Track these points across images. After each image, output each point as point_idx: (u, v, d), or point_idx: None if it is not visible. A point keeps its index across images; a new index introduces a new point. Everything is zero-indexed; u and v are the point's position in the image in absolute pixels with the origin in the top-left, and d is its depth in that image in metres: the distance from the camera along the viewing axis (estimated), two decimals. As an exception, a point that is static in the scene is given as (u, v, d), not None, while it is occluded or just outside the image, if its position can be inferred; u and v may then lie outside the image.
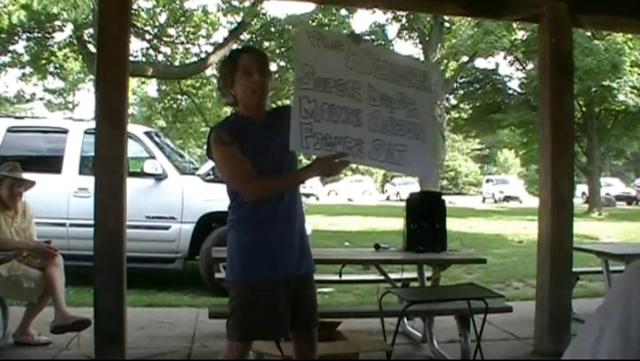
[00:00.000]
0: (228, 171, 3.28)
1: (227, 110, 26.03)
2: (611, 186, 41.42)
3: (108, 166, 4.68)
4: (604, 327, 0.92)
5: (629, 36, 22.97)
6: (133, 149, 7.58)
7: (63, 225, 7.58)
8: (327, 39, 3.29)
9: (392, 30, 28.88)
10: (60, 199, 7.75)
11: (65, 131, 8.33)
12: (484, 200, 45.16)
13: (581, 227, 14.29)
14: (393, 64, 3.50)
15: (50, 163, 8.07)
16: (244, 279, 3.20)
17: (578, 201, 29.51)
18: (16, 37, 19.55)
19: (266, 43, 22.82)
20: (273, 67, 24.94)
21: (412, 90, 3.51)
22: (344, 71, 3.29)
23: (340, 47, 3.29)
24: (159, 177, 8.00)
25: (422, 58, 28.68)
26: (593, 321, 0.96)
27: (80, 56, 20.83)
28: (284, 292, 3.16)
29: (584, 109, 26.54)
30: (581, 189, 34.70)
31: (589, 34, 22.95)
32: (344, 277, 6.19)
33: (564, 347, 3.70)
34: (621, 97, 24.33)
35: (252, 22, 21.18)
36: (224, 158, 3.22)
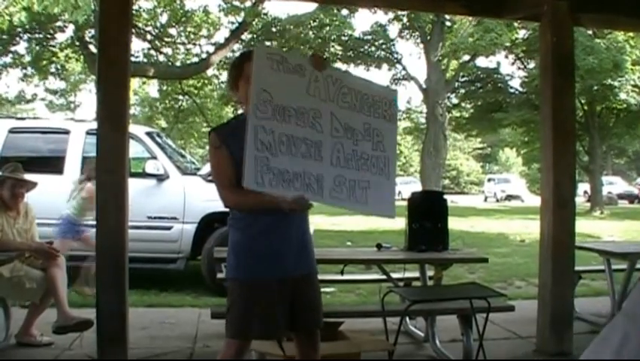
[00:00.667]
0: (213, 173, 3.36)
1: (229, 111, 26.02)
2: (613, 184, 41.40)
3: (110, 167, 4.69)
4: (629, 333, 0.89)
5: (631, 34, 22.95)
6: (134, 149, 7.58)
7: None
8: (288, 62, 3.08)
9: (393, 30, 28.80)
10: (62, 200, 7.74)
11: (67, 132, 8.33)
12: (485, 199, 45.18)
13: (583, 226, 14.27)
14: (358, 91, 3.28)
15: (52, 164, 8.07)
16: (240, 276, 3.22)
17: (580, 200, 29.52)
18: (18, 38, 19.56)
19: (267, 43, 22.82)
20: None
21: (378, 120, 3.30)
22: (305, 99, 3.09)
23: (302, 71, 3.10)
24: (161, 178, 8.00)
25: (424, 57, 28.72)
26: (617, 324, 0.93)
27: (82, 57, 20.85)
28: (281, 292, 3.16)
29: (585, 108, 26.50)
30: (583, 187, 34.70)
31: (590, 32, 22.90)
32: (346, 277, 6.19)
33: (566, 346, 3.70)
34: (623, 95, 24.30)
35: (253, 23, 21.17)
36: (211, 160, 3.31)
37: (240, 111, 3.47)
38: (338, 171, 3.14)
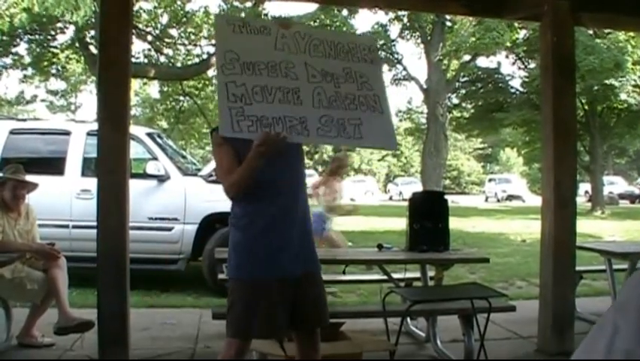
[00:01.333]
0: (217, 171, 3.37)
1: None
2: (615, 184, 41.40)
3: (110, 167, 4.69)
4: (619, 325, 0.91)
5: (631, 34, 22.93)
6: (135, 150, 7.59)
7: (66, 226, 7.58)
8: (250, 25, 3.18)
9: (394, 30, 28.83)
10: (63, 201, 7.76)
11: (68, 133, 8.34)
12: (486, 199, 45.18)
13: (584, 226, 14.27)
14: (330, 41, 3.35)
15: (53, 165, 8.08)
16: (241, 276, 3.22)
17: (581, 200, 29.51)
18: (18, 40, 19.57)
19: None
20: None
21: (358, 64, 3.35)
22: (273, 54, 3.16)
23: (267, 30, 3.18)
24: (162, 179, 8.00)
25: (424, 57, 28.73)
26: (607, 318, 0.95)
27: (82, 58, 20.86)
28: (282, 292, 3.16)
29: (586, 107, 26.48)
30: (584, 187, 34.70)
31: (591, 32, 22.89)
32: (347, 277, 6.18)
33: (567, 346, 3.70)
34: (623, 96, 24.30)
35: (254, 23, 21.16)
36: (215, 157, 3.32)
37: None
38: (323, 112, 3.17)
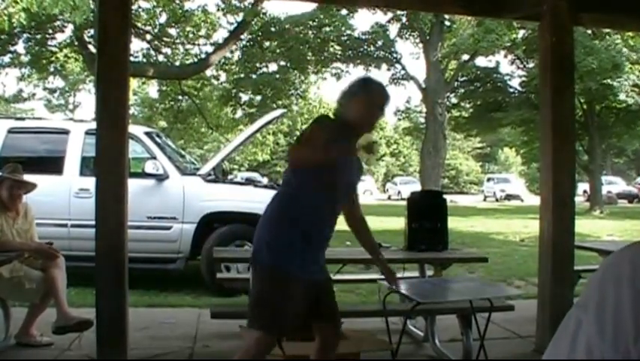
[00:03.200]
0: (306, 139, 3.30)
1: (228, 111, 25.99)
2: (613, 184, 41.45)
3: (109, 167, 4.69)
4: (581, 319, 0.95)
5: (630, 34, 22.96)
6: (134, 149, 7.59)
7: (64, 226, 7.57)
8: None
9: (393, 30, 28.80)
10: (61, 200, 7.75)
11: (66, 132, 8.33)
12: (485, 199, 45.20)
13: (582, 225, 14.26)
14: None
15: (51, 164, 8.07)
16: (279, 266, 3.24)
17: (580, 200, 29.50)
18: (16, 38, 19.52)
19: (266, 43, 22.82)
20: (273, 67, 24.95)
21: None
22: None
23: None
24: (160, 178, 7.99)
25: (422, 57, 28.73)
26: (571, 315, 1.00)
27: (81, 57, 20.83)
28: (307, 292, 3.25)
29: (584, 107, 26.51)
30: (583, 187, 34.71)
31: (589, 32, 22.91)
32: (346, 277, 6.18)
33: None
34: (622, 96, 24.32)
35: (253, 22, 21.15)
36: (312, 132, 3.30)
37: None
38: None
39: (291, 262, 3.21)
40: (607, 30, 21.73)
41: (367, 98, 3.38)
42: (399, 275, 5.73)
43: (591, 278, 1.04)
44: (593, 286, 1.00)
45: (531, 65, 26.81)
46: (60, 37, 20.28)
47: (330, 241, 3.53)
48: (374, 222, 17.84)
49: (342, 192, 3.41)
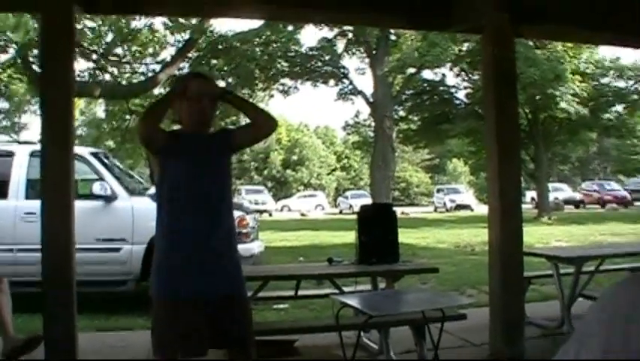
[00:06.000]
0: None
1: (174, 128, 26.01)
2: (560, 190, 42.39)
3: (55, 188, 4.60)
4: (580, 352, 0.94)
5: (570, 45, 23.56)
6: (81, 170, 7.46)
7: (10, 250, 7.40)
8: None
9: (339, 45, 29.05)
10: (6, 224, 7.57)
11: (11, 155, 8.16)
12: (436, 209, 45.68)
13: (531, 232, 14.53)
14: None
15: (-5, 188, 7.89)
16: (158, 296, 3.25)
17: (528, 207, 30.06)
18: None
19: (214, 61, 22.74)
20: (221, 84, 24.85)
21: None
22: None
23: None
24: (108, 199, 7.88)
25: (369, 72, 28.98)
26: (568, 350, 0.97)
27: (25, 77, 20.42)
28: (198, 313, 3.16)
29: (529, 116, 27.08)
30: (530, 194, 35.40)
31: (531, 43, 23.42)
32: (299, 293, 6.16)
33: (519, 351, 3.74)
34: (563, 105, 24.87)
35: (200, 40, 21.08)
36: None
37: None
38: None
39: (169, 286, 3.20)
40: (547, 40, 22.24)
41: (184, 94, 3.29)
42: (351, 289, 5.77)
43: (593, 310, 1.00)
44: (592, 323, 0.98)
45: (476, 77, 27.29)
46: (3, 57, 19.86)
47: (227, 247, 3.32)
48: (326, 237, 17.91)
49: (207, 179, 3.27)
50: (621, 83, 27.96)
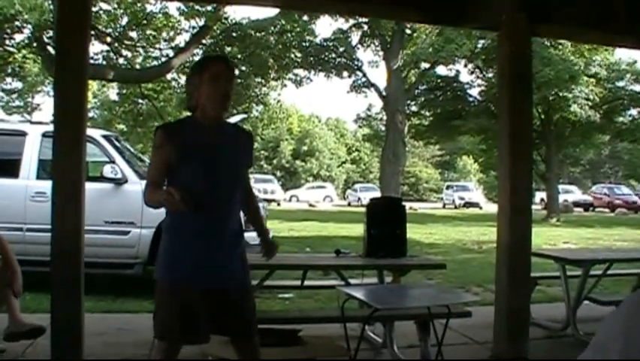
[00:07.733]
0: (148, 169, 3.55)
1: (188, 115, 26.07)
2: (570, 192, 42.25)
3: (66, 170, 4.61)
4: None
5: (586, 47, 23.41)
6: (92, 152, 7.48)
7: (20, 229, 7.44)
8: None
9: (354, 37, 28.97)
10: (17, 204, 7.61)
11: (23, 134, 8.19)
12: (444, 206, 45.60)
13: (539, 233, 14.48)
14: None
15: (7, 167, 7.93)
16: (164, 279, 3.33)
17: (537, 208, 29.97)
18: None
19: (228, 48, 22.70)
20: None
21: None
22: None
23: None
24: (118, 182, 7.90)
25: (383, 65, 28.92)
26: (586, 356, 0.96)
27: (40, 58, 20.47)
28: (202, 301, 3.22)
29: (542, 116, 26.96)
30: (540, 195, 35.28)
31: (547, 43, 23.30)
32: (305, 283, 6.18)
33: (522, 352, 3.75)
34: (574, 108, 24.71)
35: (214, 27, 21.06)
36: (151, 157, 3.49)
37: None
38: None
39: (175, 273, 3.27)
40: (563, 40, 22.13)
41: (203, 76, 3.27)
42: (357, 281, 5.77)
43: (611, 320, 0.98)
44: (614, 329, 0.96)
45: (490, 74, 27.19)
46: (18, 37, 19.91)
47: (237, 230, 3.40)
48: (333, 229, 17.91)
49: (224, 181, 3.30)
50: (638, 87, 27.78)
